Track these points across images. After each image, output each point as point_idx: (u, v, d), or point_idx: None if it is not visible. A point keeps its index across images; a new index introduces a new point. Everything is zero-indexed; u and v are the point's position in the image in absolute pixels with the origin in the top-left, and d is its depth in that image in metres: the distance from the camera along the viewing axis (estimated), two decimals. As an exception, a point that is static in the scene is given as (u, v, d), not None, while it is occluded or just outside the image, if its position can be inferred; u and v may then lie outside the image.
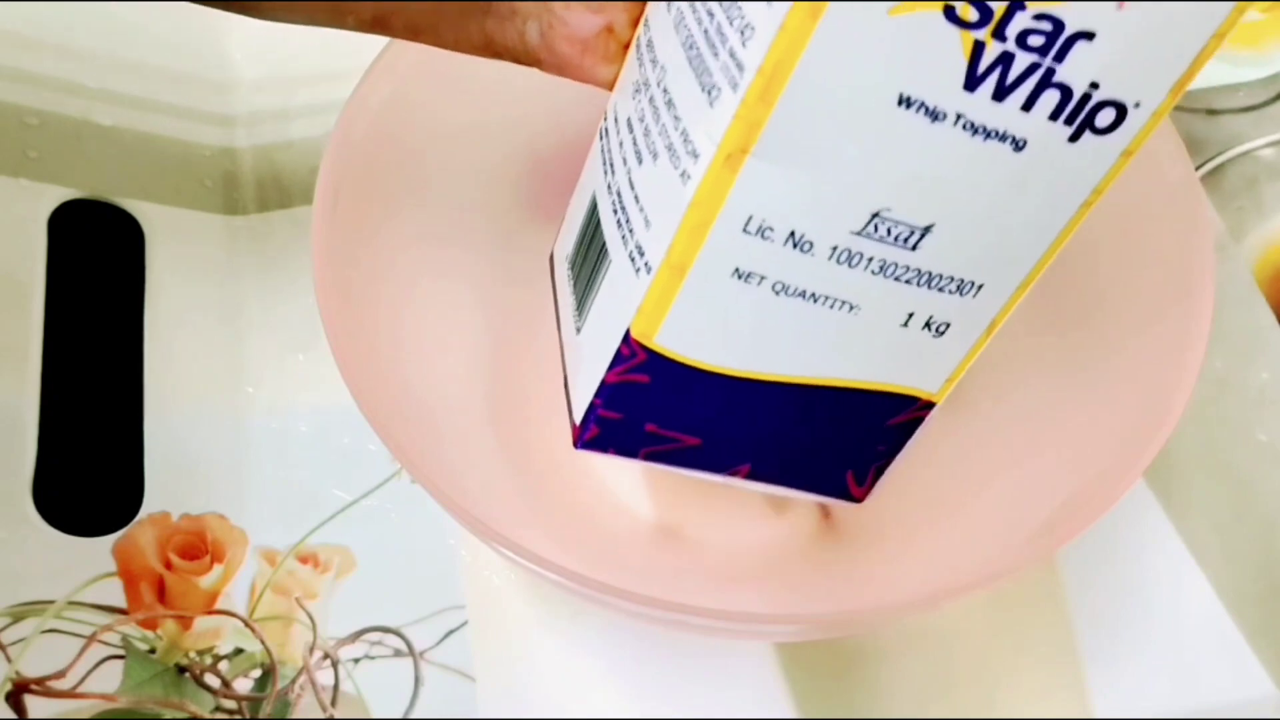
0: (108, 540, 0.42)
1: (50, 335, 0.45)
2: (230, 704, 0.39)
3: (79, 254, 0.47)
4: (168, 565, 0.42)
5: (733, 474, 0.34)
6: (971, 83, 0.24)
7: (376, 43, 0.38)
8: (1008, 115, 0.25)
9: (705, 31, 0.25)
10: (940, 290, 0.29)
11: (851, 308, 0.29)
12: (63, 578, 0.41)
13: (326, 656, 0.40)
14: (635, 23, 0.29)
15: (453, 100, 0.40)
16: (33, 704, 0.39)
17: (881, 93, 0.24)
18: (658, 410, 0.31)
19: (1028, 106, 0.24)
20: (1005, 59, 0.24)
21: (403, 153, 0.40)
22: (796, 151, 0.25)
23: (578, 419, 0.32)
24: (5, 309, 0.45)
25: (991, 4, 0.23)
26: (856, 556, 0.40)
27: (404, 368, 0.38)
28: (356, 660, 0.40)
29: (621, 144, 0.29)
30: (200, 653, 0.40)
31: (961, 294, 0.29)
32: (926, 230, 0.27)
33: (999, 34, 0.23)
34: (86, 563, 0.41)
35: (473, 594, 0.41)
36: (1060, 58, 0.24)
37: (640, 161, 0.28)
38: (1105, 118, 0.25)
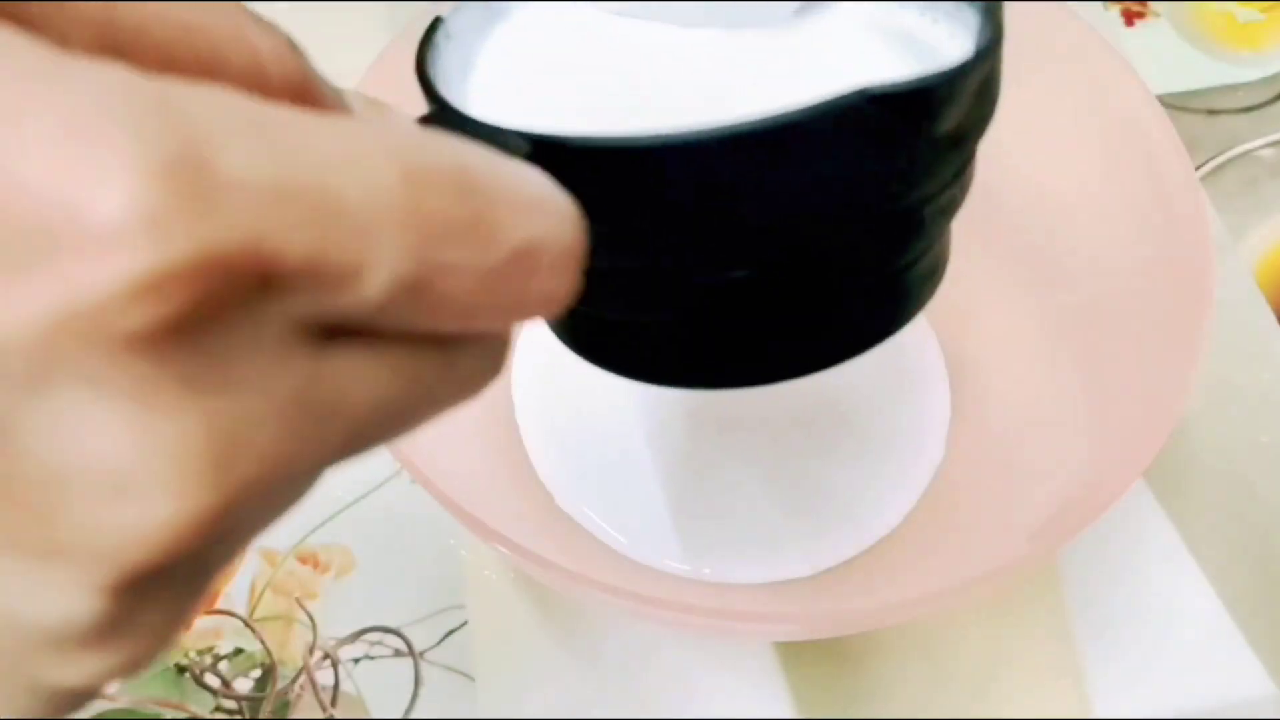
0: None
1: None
2: (230, 704, 0.39)
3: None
4: (168, 565, 0.42)
5: None
6: None
7: (375, 43, 0.38)
8: None
9: None
10: None
11: None
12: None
13: (326, 656, 0.40)
14: None
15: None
16: (33, 704, 0.39)
17: None
18: None
19: None
20: None
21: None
22: None
23: None
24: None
25: None
26: (857, 556, 0.40)
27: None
28: (356, 660, 0.40)
29: None
30: (200, 653, 0.40)
31: None
32: None
33: None
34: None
35: (473, 594, 0.41)
36: None
37: None
38: None
